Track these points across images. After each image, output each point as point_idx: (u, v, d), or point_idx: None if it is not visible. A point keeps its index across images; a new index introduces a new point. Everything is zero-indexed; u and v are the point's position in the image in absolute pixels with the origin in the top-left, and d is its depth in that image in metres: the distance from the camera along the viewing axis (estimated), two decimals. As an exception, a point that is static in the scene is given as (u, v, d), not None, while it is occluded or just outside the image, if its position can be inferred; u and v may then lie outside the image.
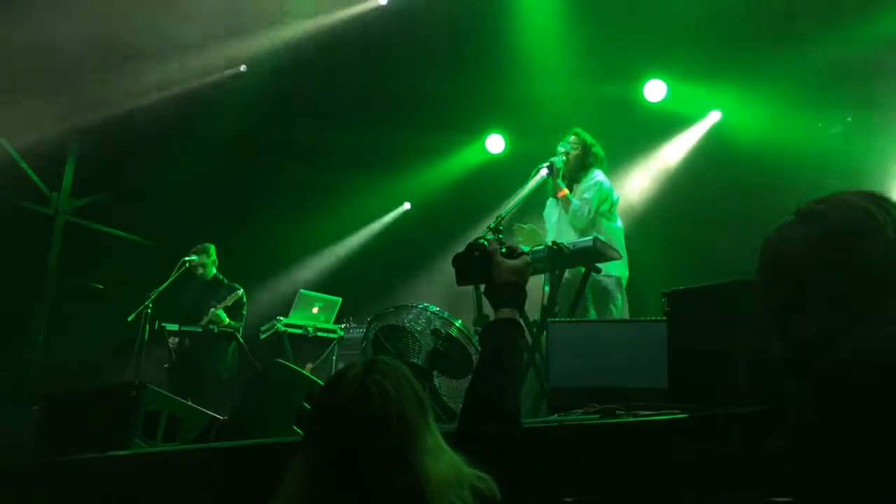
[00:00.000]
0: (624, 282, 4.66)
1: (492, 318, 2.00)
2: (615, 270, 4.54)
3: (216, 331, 6.23)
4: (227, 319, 6.27)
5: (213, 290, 6.50)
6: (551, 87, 6.90)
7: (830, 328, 1.20)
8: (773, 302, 1.29)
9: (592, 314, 4.52)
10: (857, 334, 1.16)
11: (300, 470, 1.49)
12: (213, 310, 6.22)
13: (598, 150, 4.91)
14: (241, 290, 6.50)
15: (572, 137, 4.90)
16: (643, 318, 3.38)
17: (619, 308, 4.56)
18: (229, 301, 6.31)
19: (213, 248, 6.69)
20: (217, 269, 6.67)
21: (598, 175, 4.80)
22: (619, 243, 4.60)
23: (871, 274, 1.19)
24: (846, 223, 1.23)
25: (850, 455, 1.03)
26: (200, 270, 6.51)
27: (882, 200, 1.26)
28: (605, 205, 4.72)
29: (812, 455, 1.08)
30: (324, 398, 1.59)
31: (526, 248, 4.39)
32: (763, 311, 1.31)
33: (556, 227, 4.82)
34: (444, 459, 1.49)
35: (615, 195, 4.82)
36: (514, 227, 4.70)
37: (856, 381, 1.09)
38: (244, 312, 6.54)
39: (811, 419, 1.10)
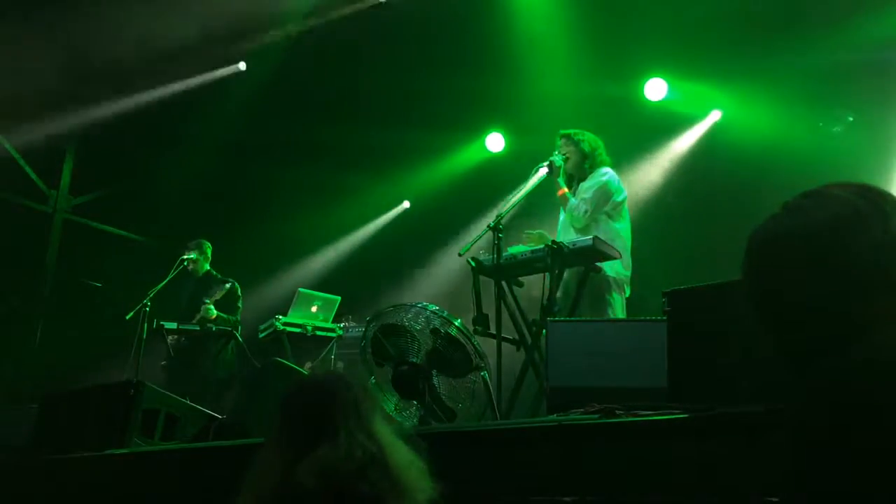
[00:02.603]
0: (626, 282, 4.60)
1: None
2: (612, 270, 4.49)
3: (214, 329, 6.22)
4: (216, 313, 6.25)
5: (206, 286, 6.49)
6: (551, 86, 6.88)
7: (816, 327, 1.17)
8: (757, 300, 1.27)
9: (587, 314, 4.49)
10: (845, 334, 1.14)
11: (272, 444, 1.81)
12: (203, 306, 6.21)
13: (586, 137, 4.80)
14: (234, 283, 6.49)
15: (561, 141, 4.85)
16: (643, 318, 3.37)
17: (616, 308, 4.52)
18: (218, 295, 6.30)
19: (207, 245, 6.67)
20: (210, 265, 6.66)
21: (605, 173, 4.69)
22: (621, 243, 4.53)
23: (855, 271, 1.16)
24: (830, 218, 1.19)
25: (848, 456, 1.03)
26: (191, 266, 6.50)
27: (869, 192, 1.21)
28: (607, 205, 4.61)
29: (810, 455, 1.07)
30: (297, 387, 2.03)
31: (527, 248, 4.40)
32: (749, 309, 1.28)
33: (561, 225, 4.81)
34: (401, 444, 1.78)
35: (622, 194, 4.69)
36: (524, 236, 4.64)
37: (848, 382, 1.08)
38: (239, 305, 6.52)
39: (809, 418, 1.09)
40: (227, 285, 6.40)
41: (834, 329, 1.16)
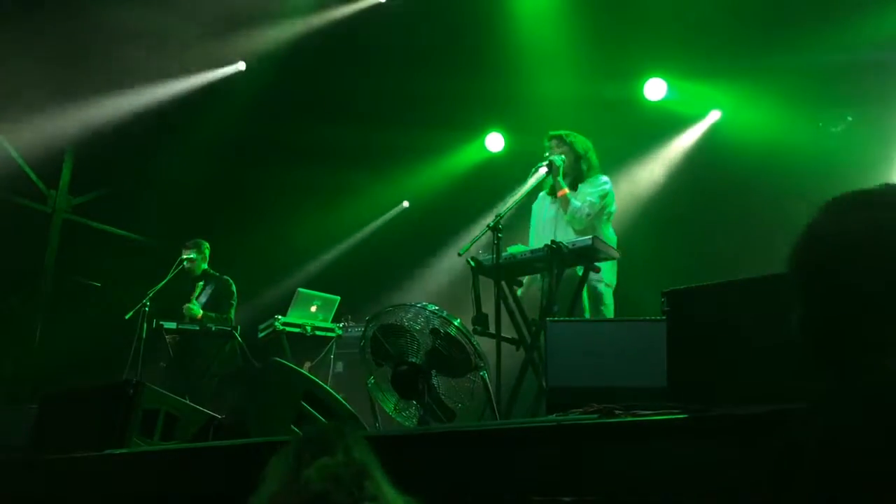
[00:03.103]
0: (612, 289, 4.67)
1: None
2: (606, 275, 4.56)
3: (213, 329, 6.22)
4: (200, 312, 6.24)
5: (203, 286, 6.50)
6: (551, 86, 6.88)
7: (865, 331, 1.13)
8: (804, 296, 1.21)
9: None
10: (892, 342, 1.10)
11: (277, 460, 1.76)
12: (186, 305, 6.22)
13: (577, 138, 4.83)
14: (228, 280, 6.50)
15: (552, 143, 4.85)
16: (643, 318, 3.37)
17: (606, 313, 4.57)
18: (196, 293, 6.32)
19: (205, 245, 6.67)
20: (209, 265, 6.66)
21: (606, 182, 4.80)
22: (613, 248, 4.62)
23: None
24: (890, 220, 1.14)
25: (857, 459, 1.02)
26: (189, 266, 6.50)
27: None
28: (603, 212, 4.73)
29: (822, 458, 1.06)
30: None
31: (527, 248, 4.41)
32: (791, 302, 1.22)
33: (552, 222, 4.80)
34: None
35: (615, 205, 4.84)
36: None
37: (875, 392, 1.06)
38: (233, 303, 6.50)
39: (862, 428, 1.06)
40: (201, 282, 6.42)
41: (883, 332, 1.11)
